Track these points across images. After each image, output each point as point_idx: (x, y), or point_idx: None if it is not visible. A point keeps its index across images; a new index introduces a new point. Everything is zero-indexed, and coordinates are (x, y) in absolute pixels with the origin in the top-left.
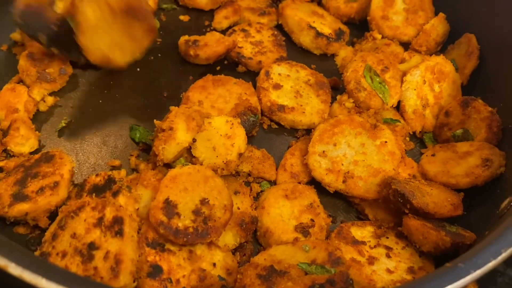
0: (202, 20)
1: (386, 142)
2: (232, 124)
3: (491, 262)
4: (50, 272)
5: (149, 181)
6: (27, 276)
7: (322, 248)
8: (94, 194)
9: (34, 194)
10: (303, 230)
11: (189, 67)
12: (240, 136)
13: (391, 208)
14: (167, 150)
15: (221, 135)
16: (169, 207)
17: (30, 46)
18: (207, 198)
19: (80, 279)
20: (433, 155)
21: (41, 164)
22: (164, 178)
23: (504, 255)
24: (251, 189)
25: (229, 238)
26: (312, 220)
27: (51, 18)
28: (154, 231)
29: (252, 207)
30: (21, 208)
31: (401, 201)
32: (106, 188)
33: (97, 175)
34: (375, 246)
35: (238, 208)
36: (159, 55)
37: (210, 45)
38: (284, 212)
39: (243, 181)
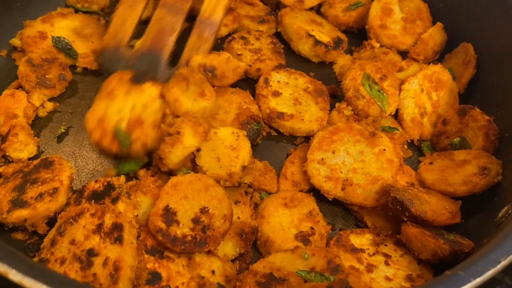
0: None
1: (384, 150)
2: (238, 136)
3: (490, 270)
4: (51, 279)
5: (148, 188)
6: (28, 282)
7: (321, 255)
8: (93, 200)
9: (33, 200)
10: (304, 238)
11: None
12: (245, 149)
13: (390, 215)
14: (174, 154)
15: (226, 146)
16: (169, 214)
17: (30, 52)
18: (207, 207)
19: (80, 285)
20: (431, 163)
21: (40, 170)
22: (165, 185)
23: (503, 263)
24: (251, 198)
25: (229, 248)
26: (312, 228)
27: (129, 57)
28: (153, 238)
29: (252, 217)
30: (20, 214)
31: (400, 208)
32: (105, 194)
33: (96, 181)
34: (373, 254)
35: (238, 218)
36: None
37: (227, 76)
38: (284, 220)
39: (244, 191)
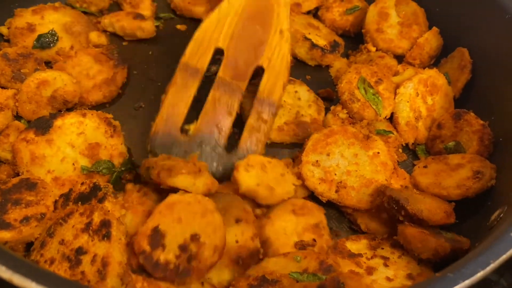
0: None
1: (378, 153)
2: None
3: (479, 273)
4: (40, 276)
5: (130, 204)
6: (17, 279)
7: (313, 257)
8: (80, 202)
9: (18, 223)
10: (302, 247)
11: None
12: None
13: (383, 218)
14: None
15: None
16: (157, 236)
17: (15, 44)
18: (199, 234)
19: (69, 283)
20: (425, 166)
21: (22, 191)
22: (161, 203)
23: (492, 266)
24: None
25: (225, 275)
26: (314, 240)
27: (184, 142)
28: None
29: (253, 239)
30: (3, 236)
31: (396, 207)
32: (91, 195)
33: (82, 183)
34: (372, 257)
35: (237, 242)
36: (154, 64)
37: None
38: (288, 226)
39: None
